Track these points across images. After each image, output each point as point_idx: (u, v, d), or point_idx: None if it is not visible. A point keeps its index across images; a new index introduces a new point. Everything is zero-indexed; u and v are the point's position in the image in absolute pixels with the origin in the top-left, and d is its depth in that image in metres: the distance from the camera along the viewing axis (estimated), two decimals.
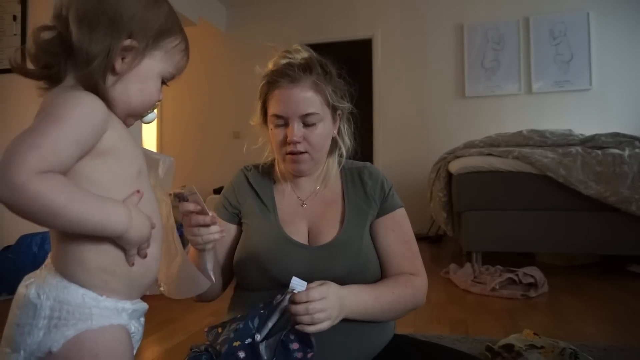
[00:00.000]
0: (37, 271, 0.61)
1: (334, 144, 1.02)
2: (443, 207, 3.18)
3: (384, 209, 1.00)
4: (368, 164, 1.08)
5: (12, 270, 2.27)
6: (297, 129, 0.92)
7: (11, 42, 3.12)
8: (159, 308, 2.11)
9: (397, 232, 0.99)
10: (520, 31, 4.41)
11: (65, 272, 0.58)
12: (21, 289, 0.59)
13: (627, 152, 2.68)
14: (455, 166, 2.99)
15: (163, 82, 0.70)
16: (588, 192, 2.59)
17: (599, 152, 2.72)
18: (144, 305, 0.65)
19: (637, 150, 2.73)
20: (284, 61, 0.94)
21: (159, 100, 0.70)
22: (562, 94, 4.32)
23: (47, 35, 0.60)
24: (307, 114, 0.92)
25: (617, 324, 1.80)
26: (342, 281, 0.86)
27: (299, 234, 0.96)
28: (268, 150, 1.05)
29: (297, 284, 0.78)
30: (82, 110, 0.56)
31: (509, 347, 1.40)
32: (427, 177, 3.55)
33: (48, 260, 0.61)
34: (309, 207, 1.00)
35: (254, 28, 5.05)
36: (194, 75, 5.26)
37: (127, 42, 0.61)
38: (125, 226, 0.57)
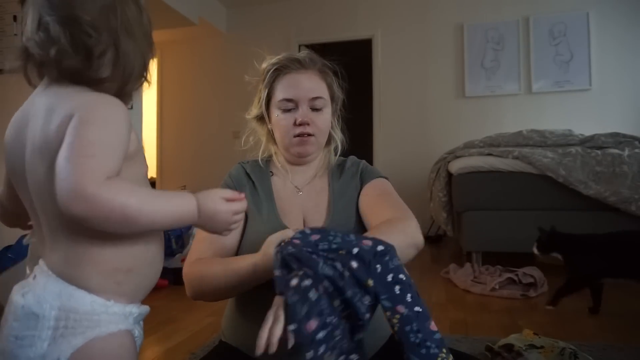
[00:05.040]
0: (30, 279, 0.59)
1: (329, 136, 1.06)
2: (443, 207, 3.18)
3: (363, 182, 1.02)
4: (351, 156, 1.11)
5: (12, 270, 2.27)
6: (307, 111, 0.97)
7: (11, 42, 3.12)
8: (159, 308, 2.11)
9: (376, 191, 0.98)
10: (520, 31, 4.41)
11: (75, 276, 0.56)
12: (17, 298, 0.56)
13: (626, 152, 2.68)
14: (455, 166, 2.99)
15: None
16: (588, 192, 2.59)
17: (599, 152, 2.72)
18: (147, 309, 0.64)
19: (636, 150, 2.73)
20: (289, 54, 1.01)
21: None
22: (562, 94, 4.32)
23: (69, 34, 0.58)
24: (315, 98, 0.97)
25: (617, 324, 1.80)
26: None
27: (296, 223, 0.97)
28: (263, 145, 1.07)
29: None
30: (119, 114, 0.56)
31: (508, 347, 1.40)
32: (427, 177, 3.55)
33: (43, 267, 0.58)
34: (304, 195, 1.02)
35: (254, 28, 5.06)
36: (193, 75, 5.27)
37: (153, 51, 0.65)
38: (195, 209, 0.58)
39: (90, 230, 0.53)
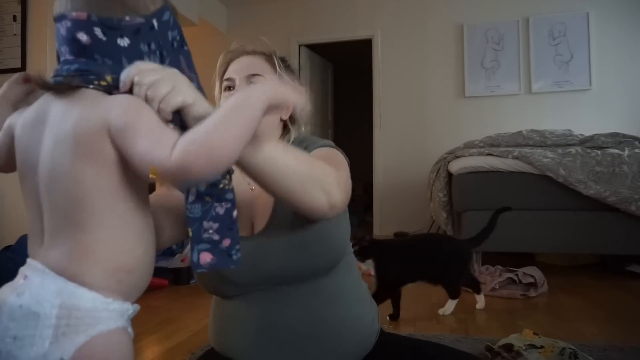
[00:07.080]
0: (19, 280, 0.58)
1: (285, 130, 0.99)
2: (443, 207, 3.18)
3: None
4: (300, 136, 1.01)
5: (12, 270, 2.27)
6: (244, 88, 0.92)
7: (11, 42, 3.12)
8: (159, 308, 2.11)
9: (316, 157, 0.85)
10: (520, 31, 4.42)
11: (78, 272, 0.56)
12: (11, 299, 0.56)
13: (626, 152, 2.68)
14: (455, 166, 2.99)
15: None
16: (588, 192, 2.59)
17: (599, 152, 2.72)
18: (137, 307, 0.65)
19: (636, 150, 2.73)
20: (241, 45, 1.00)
21: None
22: (561, 94, 4.32)
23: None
24: (253, 75, 0.94)
25: (617, 324, 1.80)
26: (284, 275, 0.83)
27: (242, 223, 0.88)
28: None
29: None
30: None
31: (508, 347, 1.40)
32: (427, 177, 3.55)
33: (36, 266, 0.58)
34: (256, 191, 0.92)
35: (254, 28, 5.05)
36: None
37: None
38: (264, 101, 0.60)
39: (95, 228, 0.55)
